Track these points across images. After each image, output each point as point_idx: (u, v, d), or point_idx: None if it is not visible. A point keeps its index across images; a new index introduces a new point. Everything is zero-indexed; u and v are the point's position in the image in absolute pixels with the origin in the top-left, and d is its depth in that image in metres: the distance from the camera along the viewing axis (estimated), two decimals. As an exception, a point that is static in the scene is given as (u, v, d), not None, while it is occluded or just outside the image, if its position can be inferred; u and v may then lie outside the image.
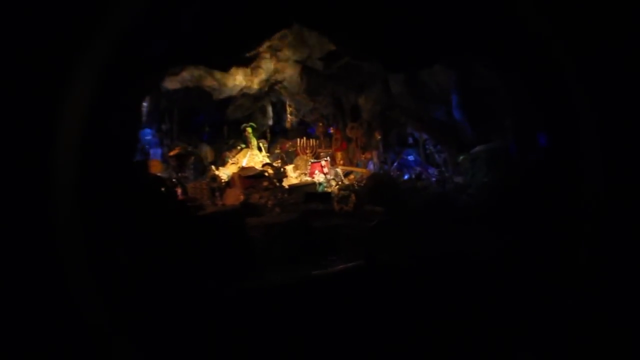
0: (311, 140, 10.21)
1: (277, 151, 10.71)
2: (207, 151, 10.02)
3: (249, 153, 9.56)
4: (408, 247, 6.56)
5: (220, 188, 8.22)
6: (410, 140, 10.16)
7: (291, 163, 10.31)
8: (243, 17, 5.70)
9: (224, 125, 10.39)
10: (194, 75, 8.34)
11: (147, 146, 9.10)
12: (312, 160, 9.28)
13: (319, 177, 8.74)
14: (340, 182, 8.68)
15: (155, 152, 9.18)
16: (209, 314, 4.82)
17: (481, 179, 9.00)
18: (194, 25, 5.93)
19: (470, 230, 7.07)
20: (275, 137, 11.13)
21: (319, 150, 10.82)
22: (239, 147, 9.74)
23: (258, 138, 10.76)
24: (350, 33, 6.35)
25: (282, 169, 8.52)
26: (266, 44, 8.60)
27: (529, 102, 7.54)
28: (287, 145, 10.68)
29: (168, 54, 6.26)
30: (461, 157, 9.58)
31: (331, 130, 10.81)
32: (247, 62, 8.82)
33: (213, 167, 9.13)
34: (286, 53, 8.85)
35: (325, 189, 8.41)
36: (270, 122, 10.93)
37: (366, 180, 8.12)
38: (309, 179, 8.87)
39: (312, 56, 8.95)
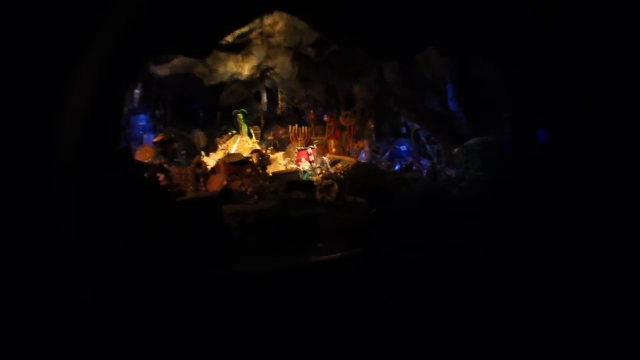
0: (303, 128, 10.09)
1: (270, 138, 10.67)
2: (200, 137, 9.99)
3: (239, 139, 9.51)
4: (393, 238, 6.56)
5: (205, 174, 8.27)
6: (404, 131, 9.99)
7: (284, 150, 10.35)
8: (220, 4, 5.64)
9: (217, 112, 10.48)
10: (185, 62, 8.27)
11: (141, 132, 9.27)
12: (299, 148, 9.20)
13: (304, 165, 8.60)
14: (325, 171, 8.63)
15: (149, 138, 9.14)
16: (176, 300, 4.93)
17: (474, 173, 8.81)
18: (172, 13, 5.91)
19: (459, 223, 6.99)
20: (270, 124, 11.08)
21: (313, 138, 10.75)
22: (230, 134, 9.76)
23: (252, 124, 10.77)
24: (330, 17, 6.23)
25: (266, 156, 8.49)
26: (257, 31, 8.57)
27: (528, 95, 7.35)
28: (281, 133, 10.60)
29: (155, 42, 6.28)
30: (456, 150, 9.39)
31: (325, 119, 10.74)
32: (238, 48, 8.80)
33: (203, 153, 9.20)
34: (277, 39, 8.70)
35: (310, 177, 8.36)
36: (265, 109, 10.89)
37: (350, 169, 8.04)
38: (295, 166, 8.88)
39: (303, 43, 8.78)
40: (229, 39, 7.99)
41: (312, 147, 9.14)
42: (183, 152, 9.57)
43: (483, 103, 8.81)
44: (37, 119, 2.84)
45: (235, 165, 8.17)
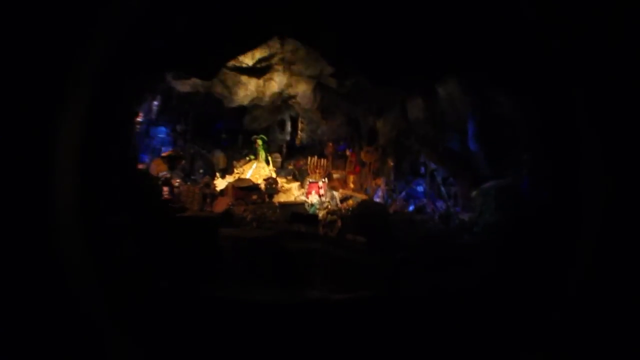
0: (322, 160, 9.98)
1: (290, 167, 10.62)
2: (219, 157, 10.06)
3: (254, 164, 9.52)
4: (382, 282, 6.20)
5: (213, 195, 8.28)
6: (423, 170, 9.60)
7: (302, 180, 10.23)
8: (223, 28, 5.73)
9: (239, 135, 10.54)
10: (204, 82, 8.50)
11: (159, 144, 9.40)
12: (311, 180, 9.05)
13: (312, 198, 8.40)
14: (335, 206, 8.39)
15: (165, 151, 9.24)
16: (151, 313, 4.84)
17: (488, 217, 8.30)
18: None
19: (458, 272, 6.54)
20: (292, 153, 11.07)
21: (333, 171, 10.58)
22: (247, 158, 9.80)
23: (274, 152, 10.78)
24: (339, 48, 6.18)
25: (274, 185, 8.40)
26: (278, 56, 8.63)
27: (548, 137, 6.89)
28: (301, 163, 10.52)
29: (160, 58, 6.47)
30: (474, 193, 8.90)
31: (347, 153, 10.56)
32: (259, 72, 8.89)
33: (218, 174, 9.27)
34: (299, 67, 8.71)
35: (317, 211, 8.16)
36: (288, 137, 10.88)
37: (355, 207, 7.76)
38: (304, 198, 8.70)
39: (324, 73, 8.78)
40: (249, 61, 8.09)
41: (323, 180, 8.97)
42: (201, 171, 9.69)
43: (504, 144, 8.33)
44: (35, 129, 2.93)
45: (243, 190, 8.12)
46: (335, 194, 8.76)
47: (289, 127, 10.76)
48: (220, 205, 7.88)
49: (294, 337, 4.64)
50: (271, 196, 8.05)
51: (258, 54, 8.05)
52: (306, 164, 10.35)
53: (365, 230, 7.45)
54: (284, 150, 10.71)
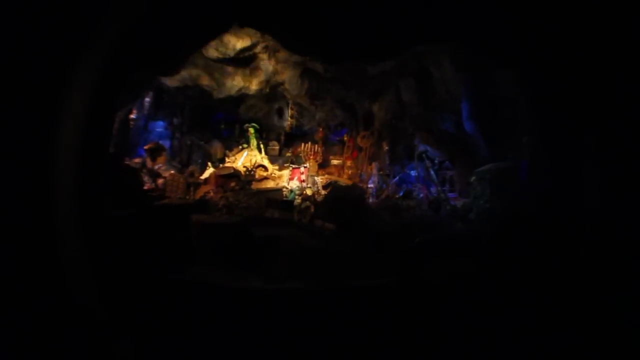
0: (315, 146, 9.89)
1: (288, 154, 10.63)
2: (217, 147, 10.12)
3: (246, 152, 9.59)
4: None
5: (196, 183, 8.50)
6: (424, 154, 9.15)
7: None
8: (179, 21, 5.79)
9: (236, 124, 10.61)
10: (192, 75, 8.62)
11: (157, 138, 9.55)
12: (293, 167, 8.96)
13: (292, 184, 8.23)
14: (315, 192, 8.27)
15: (163, 144, 9.32)
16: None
17: (483, 204, 7.80)
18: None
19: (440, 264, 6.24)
20: (293, 140, 11.08)
21: (332, 157, 10.45)
22: (240, 147, 9.94)
23: (271, 139, 10.84)
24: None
25: (252, 172, 8.44)
26: (261, 45, 8.61)
27: (551, 117, 6.36)
28: (298, 150, 10.52)
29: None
30: (473, 178, 8.41)
31: (345, 138, 10.37)
32: (245, 62, 8.94)
33: (210, 164, 9.47)
34: (284, 54, 8.61)
35: (296, 197, 8.10)
36: (293, 124, 10.89)
37: (328, 192, 7.60)
38: (285, 184, 8.67)
39: (309, 58, 8.67)
40: (230, 52, 8.18)
41: (304, 166, 8.88)
42: (199, 161, 9.97)
43: (503, 125, 7.75)
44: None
45: (223, 177, 8.26)
46: (317, 179, 8.59)
47: (286, 115, 10.77)
48: (201, 193, 8.09)
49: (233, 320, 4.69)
50: (249, 183, 8.11)
51: (239, 44, 8.10)
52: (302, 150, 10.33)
53: (337, 217, 7.30)
54: (282, 138, 10.73)
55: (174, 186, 8.15)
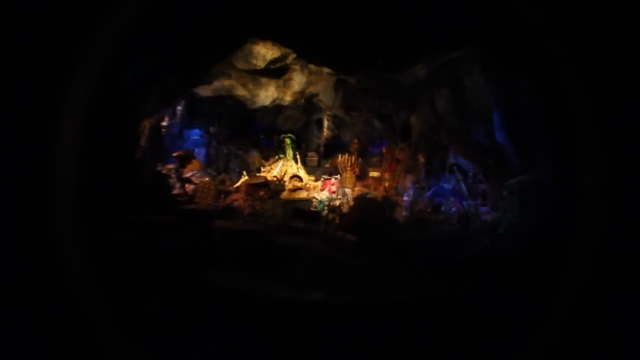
0: (352, 158, 9.80)
1: (327, 165, 10.61)
2: (255, 157, 10.44)
3: (281, 163, 9.75)
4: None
5: (227, 191, 8.72)
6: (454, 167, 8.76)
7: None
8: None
9: (275, 135, 10.75)
10: (225, 85, 8.97)
11: (192, 146, 9.97)
12: (325, 177, 8.94)
13: (322, 195, 8.32)
14: (346, 203, 8.17)
15: (199, 152, 9.90)
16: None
17: (512, 218, 7.31)
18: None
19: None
20: (334, 151, 10.99)
21: (370, 169, 10.29)
22: (276, 157, 10.08)
23: (311, 150, 10.90)
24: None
25: (282, 181, 8.52)
26: (292, 55, 8.71)
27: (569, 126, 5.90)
28: (337, 161, 10.44)
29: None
30: (504, 191, 7.92)
31: (383, 150, 10.19)
32: (278, 73, 9.09)
33: (244, 173, 9.69)
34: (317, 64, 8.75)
35: (325, 208, 8.05)
36: (328, 136, 10.85)
37: (352, 204, 7.46)
38: (316, 195, 8.61)
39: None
40: (261, 64, 8.36)
41: (335, 177, 8.84)
42: (237, 170, 10.24)
43: (535, 135, 7.27)
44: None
45: (253, 186, 8.42)
46: (348, 191, 8.53)
47: (326, 126, 10.77)
48: (229, 200, 8.30)
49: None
50: (278, 192, 8.20)
51: (269, 55, 8.27)
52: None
53: (360, 229, 7.16)
54: (321, 149, 10.75)
55: (204, 193, 8.45)
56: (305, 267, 6.45)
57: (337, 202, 7.90)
